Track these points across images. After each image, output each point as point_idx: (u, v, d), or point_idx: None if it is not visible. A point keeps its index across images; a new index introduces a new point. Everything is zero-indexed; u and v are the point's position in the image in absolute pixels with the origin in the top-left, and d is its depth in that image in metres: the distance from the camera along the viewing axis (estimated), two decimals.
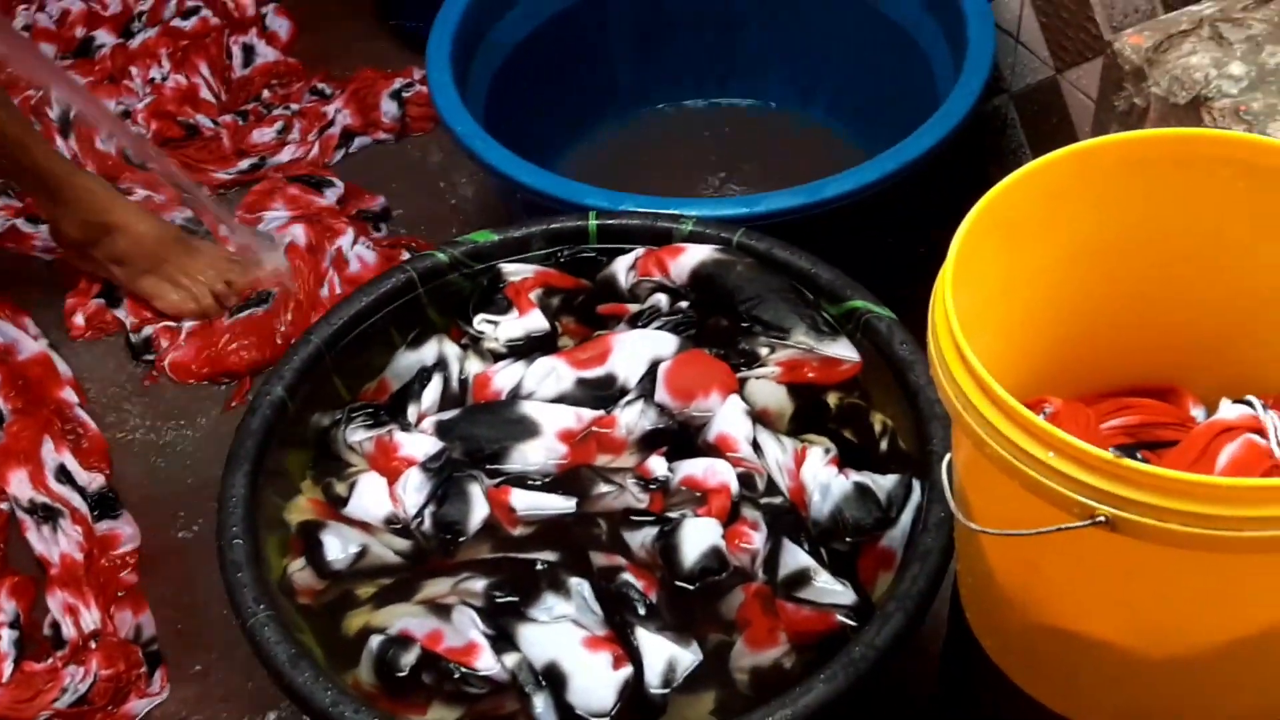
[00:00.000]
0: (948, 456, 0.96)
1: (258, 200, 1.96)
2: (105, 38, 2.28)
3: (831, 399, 1.29)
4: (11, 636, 1.48)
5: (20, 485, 1.62)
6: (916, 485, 1.18)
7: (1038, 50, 1.59)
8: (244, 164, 2.06)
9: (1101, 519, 0.76)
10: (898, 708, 1.33)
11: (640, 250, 1.39)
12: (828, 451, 1.23)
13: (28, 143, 1.71)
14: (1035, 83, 1.62)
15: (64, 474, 1.64)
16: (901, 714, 1.34)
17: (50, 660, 1.46)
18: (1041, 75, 1.60)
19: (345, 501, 1.24)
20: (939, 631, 1.21)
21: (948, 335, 0.83)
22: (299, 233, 1.88)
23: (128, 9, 2.33)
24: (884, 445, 1.25)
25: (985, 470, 0.82)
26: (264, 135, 2.09)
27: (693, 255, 1.35)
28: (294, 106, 2.15)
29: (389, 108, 2.12)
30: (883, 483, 1.19)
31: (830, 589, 1.12)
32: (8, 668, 1.45)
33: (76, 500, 1.61)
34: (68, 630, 1.48)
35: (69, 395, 1.74)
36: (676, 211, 1.41)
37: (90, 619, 1.49)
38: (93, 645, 1.47)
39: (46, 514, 1.59)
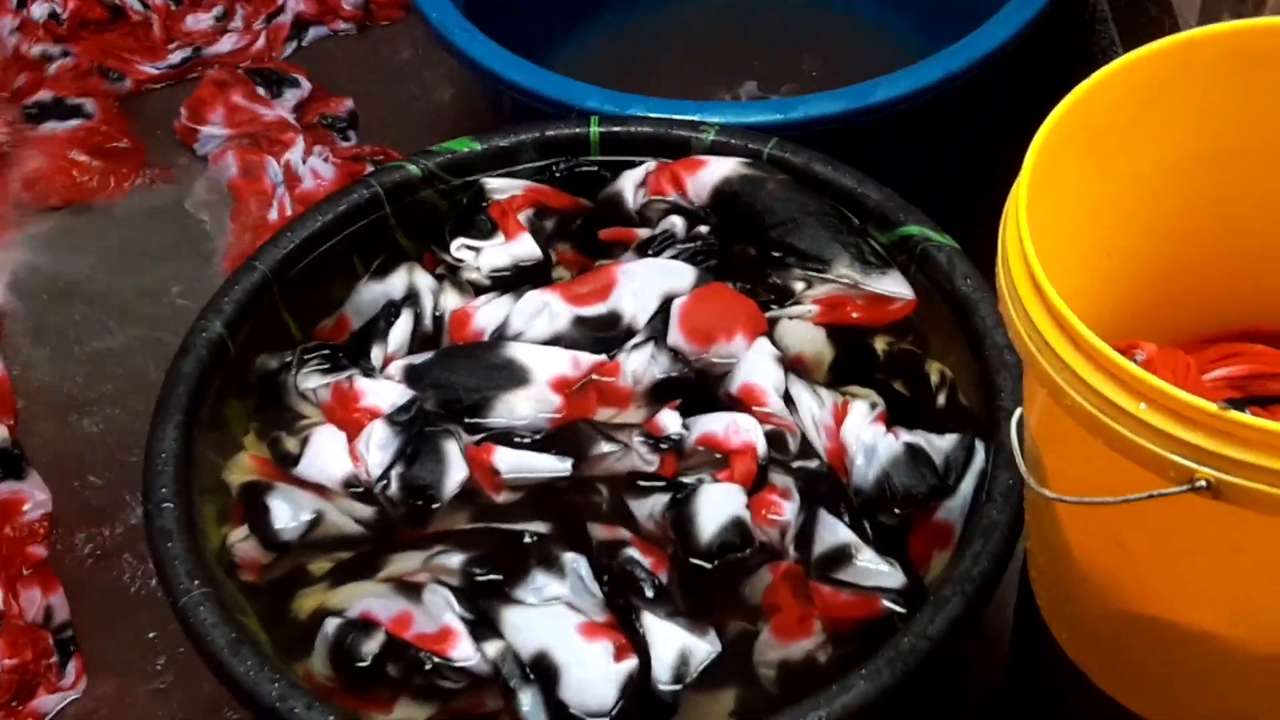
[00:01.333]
0: (1018, 412, 0.96)
1: (199, 106, 1.96)
2: None
3: (879, 344, 1.29)
4: None
5: None
6: (980, 447, 1.18)
7: None
8: (175, 57, 2.06)
9: (1203, 484, 0.76)
10: (953, 710, 1.34)
11: (652, 164, 1.39)
12: (874, 406, 1.23)
13: None
14: None
15: None
16: (958, 717, 1.35)
17: None
18: None
19: (296, 460, 1.24)
20: (1004, 622, 1.22)
21: (1021, 265, 0.83)
22: (231, 162, 1.89)
23: None
24: (941, 399, 1.25)
25: (1064, 426, 0.83)
26: (199, 22, 2.09)
27: (715, 170, 1.35)
28: None
29: None
30: (939, 444, 1.19)
31: (874, 569, 1.12)
32: None
33: None
34: None
35: None
36: (696, 118, 1.41)
37: None
38: None
39: None
